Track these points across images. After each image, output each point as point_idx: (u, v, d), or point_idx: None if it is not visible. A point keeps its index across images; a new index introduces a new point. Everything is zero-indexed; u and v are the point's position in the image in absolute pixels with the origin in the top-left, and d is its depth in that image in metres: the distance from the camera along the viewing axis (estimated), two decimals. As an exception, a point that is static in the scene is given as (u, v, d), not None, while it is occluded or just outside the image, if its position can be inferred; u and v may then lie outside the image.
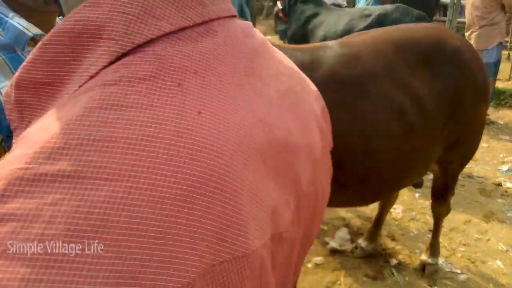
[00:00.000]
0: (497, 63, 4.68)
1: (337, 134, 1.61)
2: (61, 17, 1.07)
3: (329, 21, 3.87)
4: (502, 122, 4.98)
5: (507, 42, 5.63)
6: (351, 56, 1.75)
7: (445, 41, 1.92)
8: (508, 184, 3.63)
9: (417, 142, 1.82)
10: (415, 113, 1.79)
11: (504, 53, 5.95)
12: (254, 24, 8.26)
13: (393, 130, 1.73)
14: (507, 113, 5.16)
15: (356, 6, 5.81)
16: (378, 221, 2.71)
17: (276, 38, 5.62)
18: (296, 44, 2.52)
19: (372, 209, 3.22)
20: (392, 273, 2.52)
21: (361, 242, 2.74)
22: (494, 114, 5.19)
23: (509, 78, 5.76)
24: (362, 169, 1.75)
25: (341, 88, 1.67)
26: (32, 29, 0.96)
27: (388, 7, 3.76)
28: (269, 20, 11.42)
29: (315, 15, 4.06)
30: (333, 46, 1.80)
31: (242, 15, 5.50)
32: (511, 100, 5.29)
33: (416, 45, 1.86)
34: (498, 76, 6.07)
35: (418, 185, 2.62)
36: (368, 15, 3.68)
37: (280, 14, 4.81)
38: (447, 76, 1.89)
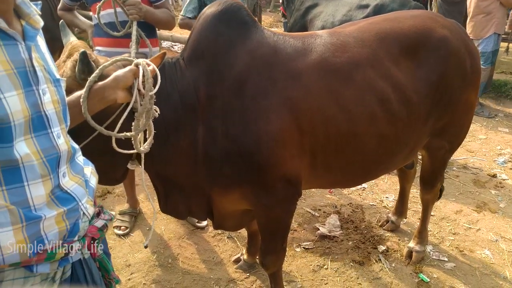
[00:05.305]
0: (495, 52, 4.71)
1: (326, 118, 1.71)
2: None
3: (327, 12, 3.88)
4: (502, 115, 4.96)
5: (507, 35, 5.56)
6: (338, 45, 1.82)
7: (431, 31, 1.96)
8: (504, 176, 3.63)
9: (400, 127, 1.89)
10: (397, 100, 1.85)
11: (503, 45, 5.89)
12: (261, 17, 8.40)
13: (376, 116, 1.81)
14: (508, 105, 5.13)
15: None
16: (402, 197, 2.83)
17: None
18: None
19: (363, 197, 3.27)
20: (379, 259, 2.57)
21: (391, 216, 2.86)
22: (494, 106, 5.16)
23: (514, 72, 5.71)
24: (348, 151, 1.83)
25: (330, 76, 1.76)
26: None
27: (386, -3, 3.75)
28: (276, 12, 11.44)
29: (314, 5, 4.07)
30: (323, 35, 1.87)
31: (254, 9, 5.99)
32: (512, 92, 5.26)
33: (400, 36, 1.92)
34: (502, 69, 6.04)
35: (409, 166, 2.66)
36: (366, 6, 3.68)
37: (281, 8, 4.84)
38: (432, 65, 1.93)
